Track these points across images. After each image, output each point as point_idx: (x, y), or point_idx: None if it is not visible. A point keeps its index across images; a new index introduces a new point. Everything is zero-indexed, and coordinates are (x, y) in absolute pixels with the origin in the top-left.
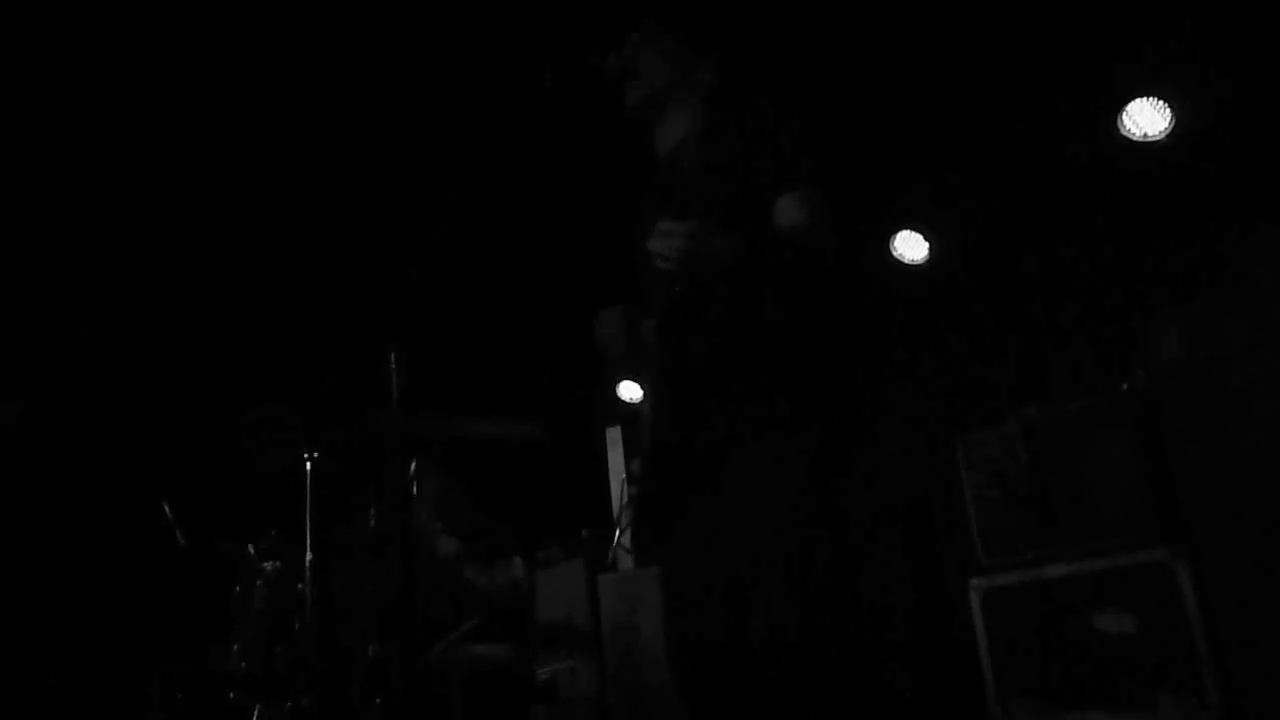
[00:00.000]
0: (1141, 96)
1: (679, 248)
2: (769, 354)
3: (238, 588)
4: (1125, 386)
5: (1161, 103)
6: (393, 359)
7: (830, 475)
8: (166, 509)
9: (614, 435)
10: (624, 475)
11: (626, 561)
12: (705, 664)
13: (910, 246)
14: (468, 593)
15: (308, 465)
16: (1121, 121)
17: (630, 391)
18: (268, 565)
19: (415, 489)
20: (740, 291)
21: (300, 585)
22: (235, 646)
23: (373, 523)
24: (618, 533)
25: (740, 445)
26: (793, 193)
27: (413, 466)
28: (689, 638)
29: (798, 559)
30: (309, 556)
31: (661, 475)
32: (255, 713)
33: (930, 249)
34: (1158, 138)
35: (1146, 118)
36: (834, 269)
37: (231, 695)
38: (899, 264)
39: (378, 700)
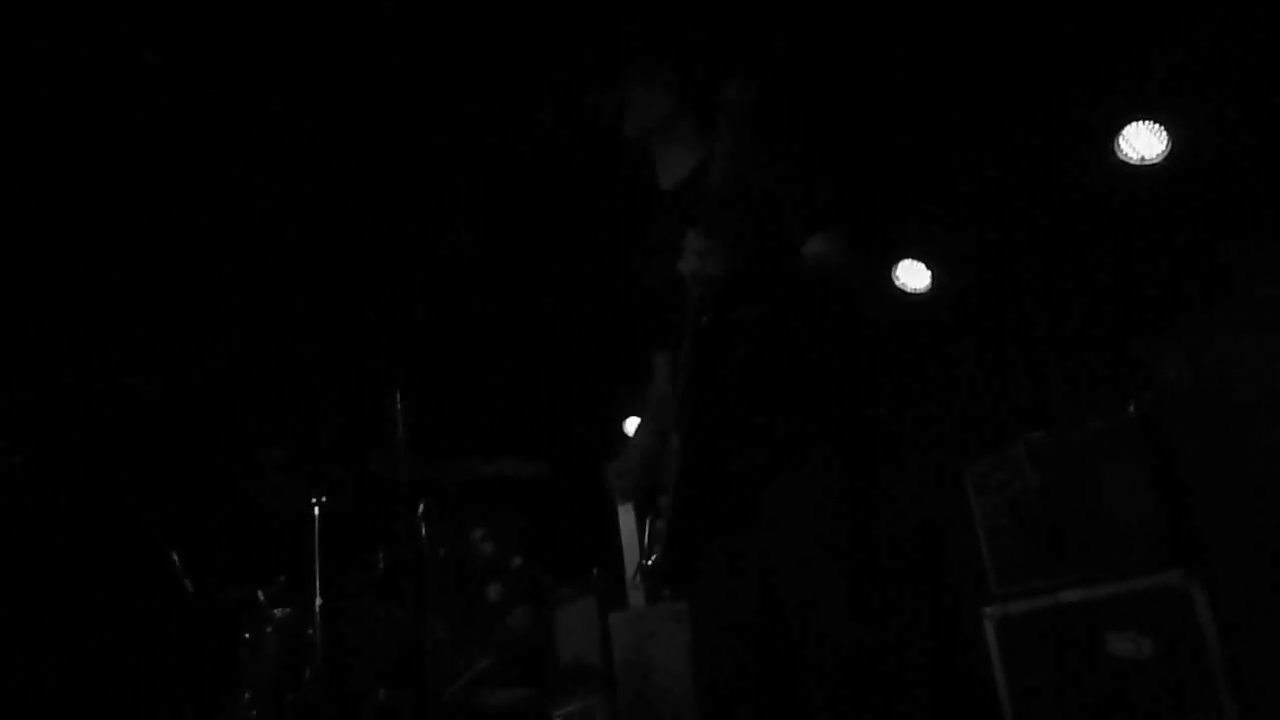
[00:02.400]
0: (1137, 120)
1: (718, 265)
2: (795, 386)
3: (247, 634)
4: (1132, 409)
5: (1157, 126)
6: (398, 400)
7: (861, 504)
8: (175, 557)
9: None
10: (632, 510)
11: (638, 599)
12: (735, 695)
13: (913, 276)
14: (515, 638)
15: (316, 510)
16: (1118, 145)
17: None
18: (277, 611)
19: (425, 532)
20: (768, 324)
21: (310, 631)
22: (246, 694)
23: (381, 566)
24: (643, 564)
25: (772, 477)
26: (823, 229)
27: (421, 508)
28: (719, 670)
29: (839, 581)
30: (318, 601)
31: (692, 509)
32: None
33: (933, 278)
34: (1155, 160)
35: (1143, 141)
36: (857, 300)
37: None
38: (902, 293)
39: None
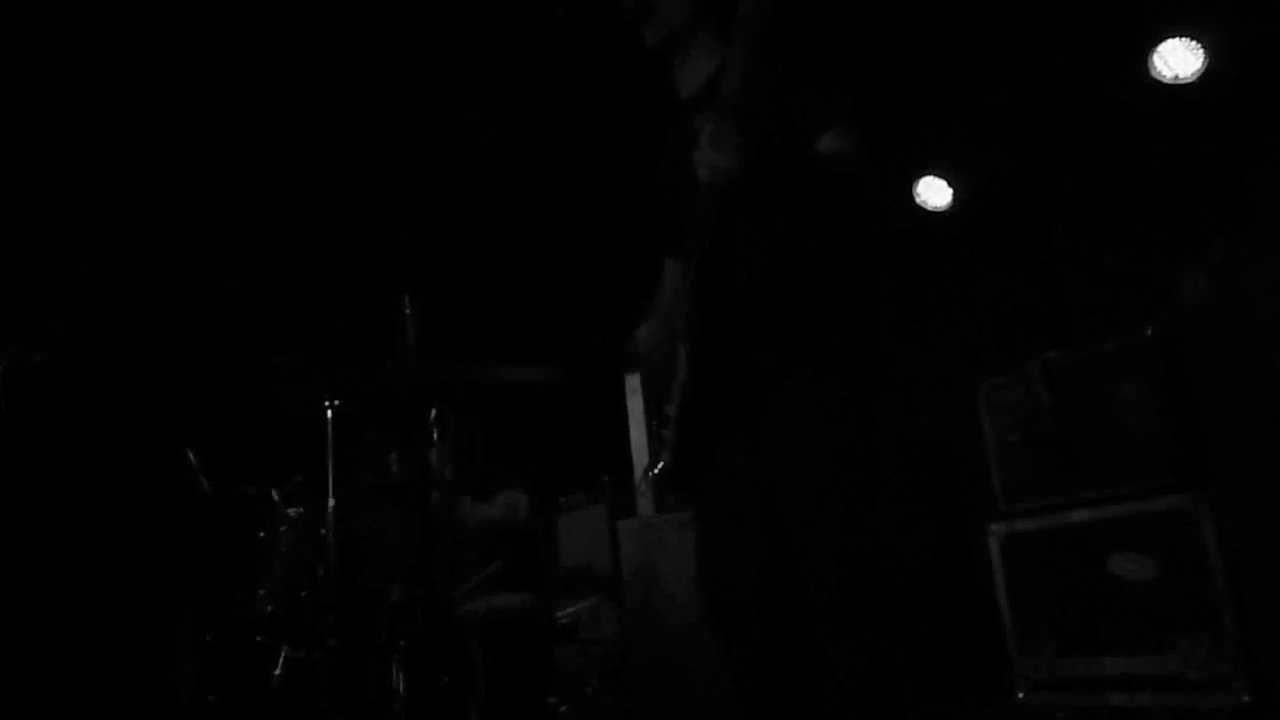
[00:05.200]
0: (1175, 37)
1: (732, 154)
2: (805, 292)
3: (262, 532)
4: (1150, 330)
5: (1195, 43)
6: (407, 304)
7: (864, 415)
8: (191, 456)
9: (634, 382)
10: (643, 418)
11: (646, 506)
12: (738, 599)
13: (934, 192)
14: (471, 527)
15: (329, 412)
16: (1152, 63)
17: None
18: (291, 510)
19: (436, 436)
20: (779, 229)
21: (323, 530)
22: (261, 590)
23: (394, 468)
24: (649, 473)
25: (777, 387)
26: (836, 129)
27: (433, 412)
28: (722, 574)
29: (839, 492)
30: (331, 502)
31: (699, 417)
32: (282, 654)
33: (954, 195)
34: (1190, 79)
35: (1179, 59)
36: (871, 206)
37: (259, 638)
38: (921, 210)
39: (401, 643)
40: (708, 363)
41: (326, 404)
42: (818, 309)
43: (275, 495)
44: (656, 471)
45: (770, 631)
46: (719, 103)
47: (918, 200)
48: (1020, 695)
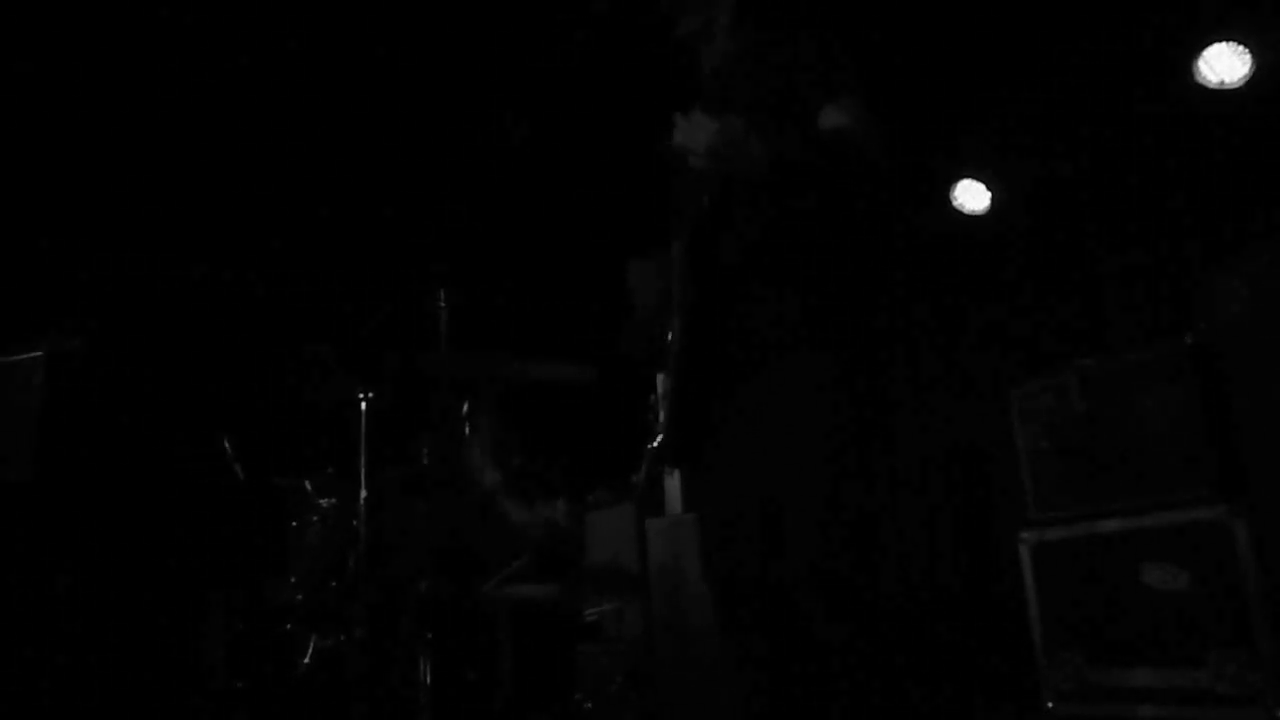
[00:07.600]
0: (1221, 41)
1: (708, 141)
2: (799, 266)
3: (294, 523)
4: (1188, 339)
5: (1242, 48)
6: (442, 298)
7: (862, 396)
8: (227, 445)
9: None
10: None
11: (674, 505)
12: (742, 598)
13: (971, 196)
14: (511, 529)
15: (362, 404)
16: (1198, 68)
17: None
18: (324, 501)
19: (469, 429)
20: (774, 198)
21: (354, 521)
22: (292, 579)
23: (425, 461)
24: (648, 449)
25: (769, 363)
26: (837, 100)
27: (465, 407)
28: (725, 574)
29: (828, 490)
30: (363, 494)
31: (693, 389)
32: (311, 643)
33: (992, 199)
34: (1236, 85)
35: (1225, 64)
36: (879, 177)
37: (288, 626)
38: (959, 214)
39: (428, 635)
40: (700, 333)
41: (360, 396)
42: (813, 282)
43: (308, 486)
44: (653, 446)
45: (772, 627)
46: (704, 81)
47: (955, 204)
48: (1048, 705)
